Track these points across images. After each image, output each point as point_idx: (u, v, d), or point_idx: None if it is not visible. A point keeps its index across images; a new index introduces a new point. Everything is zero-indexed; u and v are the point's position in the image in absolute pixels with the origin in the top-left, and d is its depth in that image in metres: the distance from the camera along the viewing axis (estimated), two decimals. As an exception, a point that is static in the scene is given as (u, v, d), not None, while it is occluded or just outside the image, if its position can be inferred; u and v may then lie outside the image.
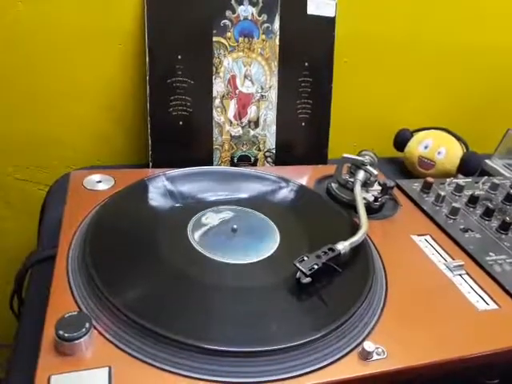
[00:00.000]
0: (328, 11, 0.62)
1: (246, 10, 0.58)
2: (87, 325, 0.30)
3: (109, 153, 0.65)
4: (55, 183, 0.58)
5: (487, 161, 0.72)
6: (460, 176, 0.67)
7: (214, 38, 0.58)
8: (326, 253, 0.37)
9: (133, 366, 0.29)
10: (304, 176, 0.57)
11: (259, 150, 0.64)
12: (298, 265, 0.36)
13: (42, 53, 0.56)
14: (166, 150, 0.59)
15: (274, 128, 0.64)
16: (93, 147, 0.64)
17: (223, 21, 0.58)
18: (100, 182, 0.49)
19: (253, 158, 0.64)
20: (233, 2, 0.58)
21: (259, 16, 0.59)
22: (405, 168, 0.73)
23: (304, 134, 0.66)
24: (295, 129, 0.65)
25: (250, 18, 0.59)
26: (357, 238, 0.40)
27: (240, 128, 0.62)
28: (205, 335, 0.31)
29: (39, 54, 0.56)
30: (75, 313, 0.31)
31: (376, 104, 0.76)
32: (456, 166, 0.67)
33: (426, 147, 0.69)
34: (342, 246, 0.38)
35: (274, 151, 0.65)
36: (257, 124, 0.63)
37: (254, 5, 0.59)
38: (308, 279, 0.36)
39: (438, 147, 0.68)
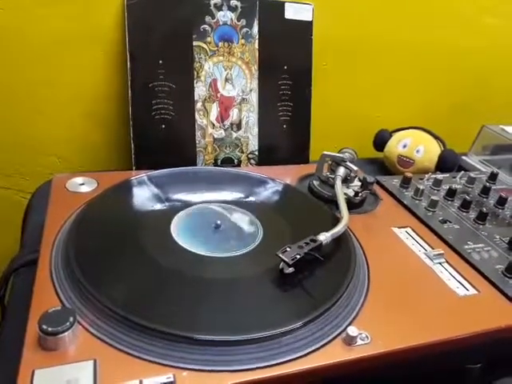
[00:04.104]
0: (305, 16, 0.64)
1: (225, 16, 0.60)
2: (71, 319, 0.30)
3: (92, 159, 0.65)
4: (38, 189, 0.58)
5: (464, 157, 0.74)
6: (438, 172, 0.68)
7: (195, 43, 0.59)
8: (308, 243, 0.38)
9: (118, 358, 0.29)
10: (286, 175, 0.58)
11: (242, 152, 0.65)
12: (280, 255, 0.36)
13: (23, 59, 0.57)
14: (149, 154, 0.59)
15: (256, 130, 0.65)
16: (76, 153, 0.64)
17: (203, 26, 0.59)
18: (83, 184, 0.49)
19: (236, 160, 0.65)
20: (212, 7, 0.59)
21: (238, 21, 0.61)
22: (385, 167, 0.75)
23: (286, 136, 0.67)
24: (277, 131, 0.66)
25: (229, 23, 0.60)
26: (338, 229, 0.41)
27: (223, 131, 0.63)
28: (189, 325, 0.31)
29: (20, 60, 0.57)
30: (59, 307, 0.31)
31: (355, 106, 0.78)
32: (434, 163, 0.69)
33: (404, 146, 0.71)
34: (324, 237, 0.39)
35: (257, 153, 0.66)
36: (239, 126, 0.64)
37: (232, 10, 0.60)
38: (291, 269, 0.37)
39: (416, 146, 0.70)
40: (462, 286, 0.41)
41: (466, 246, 0.46)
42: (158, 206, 0.47)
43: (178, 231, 0.43)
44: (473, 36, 0.80)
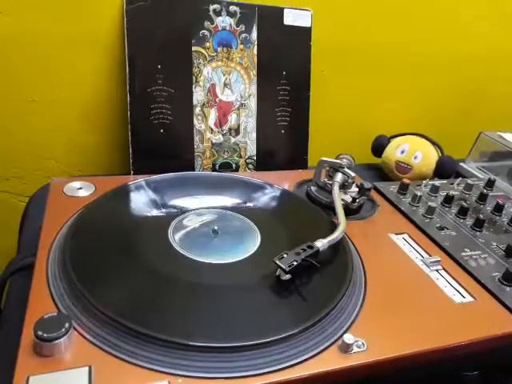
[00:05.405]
0: (304, 22, 0.64)
1: (224, 21, 0.60)
2: (67, 325, 0.30)
3: (90, 163, 0.65)
4: (36, 193, 0.58)
5: (462, 164, 0.75)
6: (436, 178, 0.69)
7: (194, 48, 0.59)
8: (304, 250, 0.38)
9: (113, 364, 0.29)
10: (284, 180, 0.58)
11: (240, 157, 0.65)
12: (277, 262, 0.36)
13: (21, 63, 0.57)
14: (147, 159, 0.59)
15: (254, 135, 0.65)
16: (74, 157, 0.64)
17: (202, 31, 0.59)
18: (81, 188, 0.49)
19: (234, 165, 0.65)
20: (211, 12, 0.59)
21: (237, 26, 0.61)
22: (383, 173, 0.75)
23: (284, 141, 0.67)
24: (275, 136, 0.66)
25: (228, 28, 0.61)
26: (335, 236, 0.41)
27: (221, 135, 0.63)
28: (185, 332, 0.31)
29: (19, 64, 0.57)
30: (54, 314, 0.31)
31: (354, 111, 0.78)
32: (432, 169, 0.69)
33: (402, 152, 0.71)
34: (321, 244, 0.39)
35: (255, 158, 0.66)
36: (237, 131, 0.64)
37: (231, 16, 0.60)
38: (288, 276, 0.37)
39: (414, 152, 0.70)
40: (459, 293, 0.41)
41: (463, 253, 0.46)
42: (156, 211, 0.47)
43: (176, 237, 0.43)
44: (470, 43, 0.80)
